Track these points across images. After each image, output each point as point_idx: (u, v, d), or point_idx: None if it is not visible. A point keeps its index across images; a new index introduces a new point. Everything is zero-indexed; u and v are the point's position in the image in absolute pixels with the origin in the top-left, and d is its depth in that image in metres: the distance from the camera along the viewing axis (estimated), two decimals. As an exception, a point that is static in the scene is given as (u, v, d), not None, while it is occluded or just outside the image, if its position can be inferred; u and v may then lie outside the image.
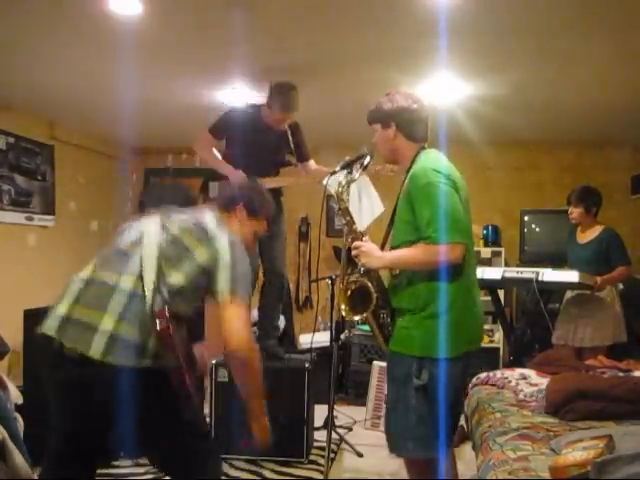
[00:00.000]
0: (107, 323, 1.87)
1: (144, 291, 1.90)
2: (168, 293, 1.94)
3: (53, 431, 2.04)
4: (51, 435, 2.04)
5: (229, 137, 3.81)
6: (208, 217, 2.12)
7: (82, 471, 2.03)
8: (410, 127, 2.40)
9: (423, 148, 2.42)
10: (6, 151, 4.97)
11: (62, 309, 1.94)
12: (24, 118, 5.05)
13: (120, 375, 1.85)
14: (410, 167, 2.37)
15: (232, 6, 3.05)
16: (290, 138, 3.79)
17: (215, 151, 3.82)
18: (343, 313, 2.47)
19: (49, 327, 1.93)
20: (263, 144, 3.72)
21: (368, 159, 2.52)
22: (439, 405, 2.26)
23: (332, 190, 2.61)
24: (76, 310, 1.92)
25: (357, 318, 2.44)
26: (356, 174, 2.55)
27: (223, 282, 1.97)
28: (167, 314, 1.88)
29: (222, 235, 2.05)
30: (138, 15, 3.11)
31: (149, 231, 2.02)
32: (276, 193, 3.75)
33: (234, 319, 1.94)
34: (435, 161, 2.33)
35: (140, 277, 1.92)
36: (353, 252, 2.41)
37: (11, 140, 5.01)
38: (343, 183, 2.51)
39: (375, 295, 2.36)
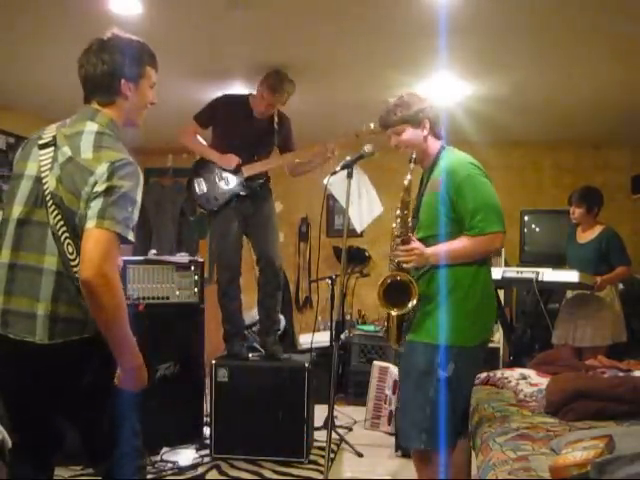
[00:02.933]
0: (43, 308, 1.87)
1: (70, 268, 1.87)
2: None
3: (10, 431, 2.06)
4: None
5: (216, 125, 3.79)
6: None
7: (40, 467, 2.05)
8: (437, 125, 2.46)
9: (442, 146, 2.47)
10: (6, 151, 4.97)
11: None
12: (24, 118, 5.05)
13: (72, 349, 1.87)
14: (434, 164, 2.41)
15: (232, 6, 3.05)
16: (276, 128, 3.76)
17: (200, 138, 3.80)
18: (392, 312, 2.37)
19: None
20: (249, 132, 3.70)
21: (368, 150, 2.57)
22: (458, 396, 2.32)
23: (333, 190, 2.62)
24: (11, 301, 1.91)
25: (395, 313, 2.35)
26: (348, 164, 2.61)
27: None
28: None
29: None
30: (138, 15, 3.12)
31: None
32: (261, 178, 3.76)
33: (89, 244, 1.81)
34: (466, 156, 2.41)
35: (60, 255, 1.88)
36: (404, 257, 2.31)
37: (11, 140, 5.01)
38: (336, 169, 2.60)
39: (416, 290, 2.29)
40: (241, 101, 3.76)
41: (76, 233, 1.87)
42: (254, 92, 3.79)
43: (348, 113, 4.69)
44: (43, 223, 1.90)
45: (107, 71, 1.95)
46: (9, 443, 2.55)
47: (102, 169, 1.83)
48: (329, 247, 6.05)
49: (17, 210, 1.94)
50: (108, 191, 1.81)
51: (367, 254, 6.17)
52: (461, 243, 2.30)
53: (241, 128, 3.70)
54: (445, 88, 4.24)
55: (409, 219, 2.38)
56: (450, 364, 2.26)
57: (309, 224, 6.34)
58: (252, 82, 4.19)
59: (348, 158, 2.62)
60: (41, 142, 1.94)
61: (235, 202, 3.73)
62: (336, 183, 2.71)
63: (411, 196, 2.43)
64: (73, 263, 1.87)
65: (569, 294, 4.24)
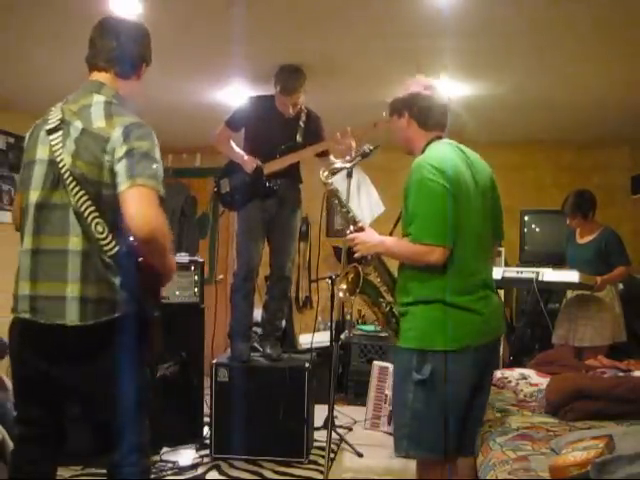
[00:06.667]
0: (72, 290, 1.87)
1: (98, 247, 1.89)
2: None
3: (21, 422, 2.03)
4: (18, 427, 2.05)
5: (245, 127, 3.82)
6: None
7: (44, 463, 2.04)
8: (423, 114, 2.33)
9: (439, 137, 2.36)
10: (6, 151, 4.97)
11: (22, 289, 1.93)
12: (24, 118, 5.03)
13: (102, 330, 1.88)
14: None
15: (232, 6, 3.05)
16: (302, 125, 3.75)
17: (232, 142, 3.83)
18: (341, 294, 2.47)
19: (21, 310, 1.92)
20: (275, 131, 3.71)
21: (371, 147, 2.52)
22: (440, 402, 2.18)
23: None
24: (38, 287, 1.91)
25: (348, 297, 2.45)
26: (349, 164, 2.56)
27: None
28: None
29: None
30: (138, 15, 3.11)
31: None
32: (284, 177, 3.76)
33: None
34: (437, 154, 2.26)
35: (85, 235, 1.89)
36: (350, 244, 2.40)
37: (11, 140, 5.01)
38: (337, 167, 2.53)
39: (361, 275, 2.34)
40: (267, 101, 3.76)
41: (104, 209, 1.88)
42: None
43: (348, 113, 4.70)
44: (63, 204, 1.90)
45: (134, 49, 2.06)
46: (9, 444, 2.55)
47: (117, 134, 1.87)
48: (329, 247, 6.04)
49: (34, 195, 1.94)
50: (129, 153, 1.85)
51: (351, 244, 6.14)
52: (401, 245, 2.26)
53: (268, 128, 3.71)
54: (445, 88, 4.24)
55: (348, 215, 2.46)
56: (426, 366, 2.17)
57: (309, 224, 6.34)
58: (253, 82, 4.19)
59: (348, 158, 2.62)
60: (49, 127, 1.95)
61: (258, 201, 3.73)
62: (336, 183, 2.70)
63: (329, 186, 2.50)
64: (104, 242, 1.87)
65: (569, 294, 4.24)
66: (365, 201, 4.00)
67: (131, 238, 1.87)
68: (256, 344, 4.00)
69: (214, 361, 3.74)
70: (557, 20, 3.18)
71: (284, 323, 4.36)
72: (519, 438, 2.30)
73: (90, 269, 1.88)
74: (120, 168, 1.85)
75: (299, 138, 3.74)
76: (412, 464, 2.55)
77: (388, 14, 3.16)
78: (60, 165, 1.89)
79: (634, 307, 4.46)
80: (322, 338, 4.58)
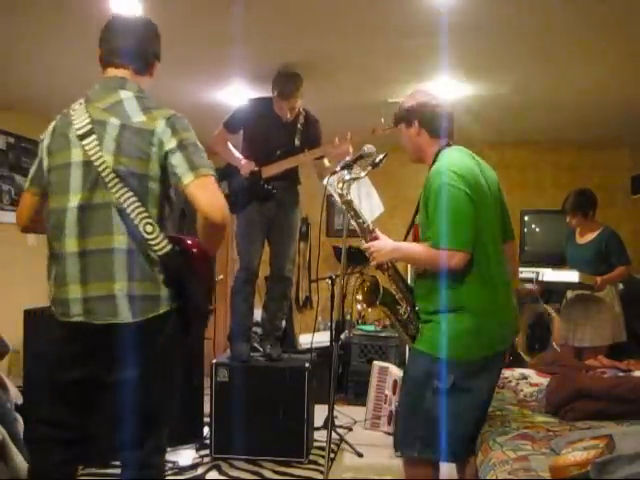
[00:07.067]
0: (120, 288, 1.88)
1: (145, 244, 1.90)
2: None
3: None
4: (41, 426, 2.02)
5: (243, 129, 3.82)
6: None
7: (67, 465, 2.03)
8: (432, 123, 2.37)
9: (448, 145, 2.39)
10: (6, 151, 4.97)
11: (73, 292, 1.91)
12: (24, 118, 5.05)
13: (150, 327, 1.90)
14: (433, 164, 2.35)
15: (232, 6, 3.05)
16: (300, 128, 3.75)
17: (230, 145, 3.84)
18: (359, 306, 2.46)
19: (74, 314, 1.91)
20: (273, 134, 3.71)
21: (380, 157, 2.50)
22: (461, 410, 2.23)
23: (332, 190, 2.61)
24: (88, 288, 1.90)
25: (365, 308, 2.45)
26: (362, 172, 2.52)
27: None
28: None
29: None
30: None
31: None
32: (283, 180, 3.76)
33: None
34: (455, 160, 2.29)
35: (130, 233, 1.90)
36: (367, 253, 2.40)
37: (11, 140, 5.01)
38: (346, 178, 2.49)
39: (381, 287, 2.35)
40: (265, 104, 3.76)
41: (150, 204, 1.90)
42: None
43: (348, 113, 4.70)
44: (105, 204, 1.90)
45: (150, 47, 2.10)
46: (10, 444, 2.55)
47: (161, 126, 1.90)
48: (329, 247, 6.05)
49: (75, 198, 1.92)
50: (180, 145, 1.90)
51: (367, 254, 6.16)
52: (420, 250, 2.28)
53: (266, 131, 3.71)
54: (445, 88, 4.24)
55: (363, 224, 2.44)
56: (449, 376, 2.20)
57: (309, 224, 6.34)
58: (253, 83, 4.19)
59: (348, 158, 2.61)
60: (81, 130, 1.92)
61: (257, 204, 3.74)
62: (337, 183, 2.70)
63: (345, 198, 2.47)
64: (154, 241, 1.89)
65: (569, 294, 4.24)
66: (365, 202, 3.99)
67: (202, 226, 1.93)
68: (256, 344, 4.00)
69: (214, 361, 3.74)
70: (557, 20, 3.18)
71: (284, 323, 4.36)
72: (519, 438, 2.30)
73: (136, 266, 1.89)
74: (177, 160, 1.89)
75: (297, 142, 3.74)
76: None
77: (388, 14, 3.16)
78: (98, 165, 1.88)
79: (634, 307, 4.46)
80: (322, 338, 4.59)
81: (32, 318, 3.61)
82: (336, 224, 6.37)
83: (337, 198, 2.51)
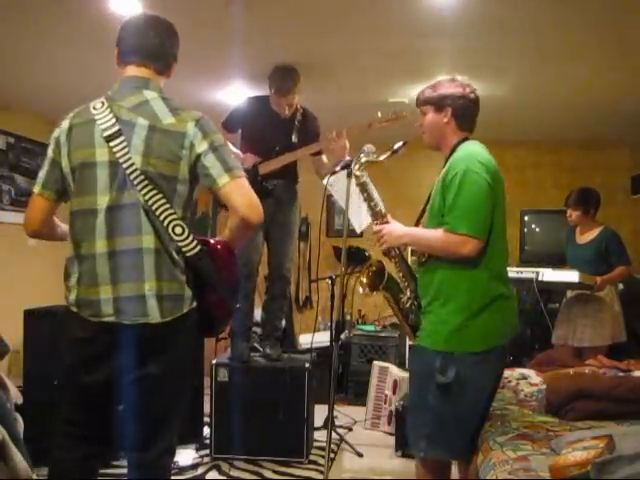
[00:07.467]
0: (149, 287, 1.88)
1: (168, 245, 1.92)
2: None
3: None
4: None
5: (241, 128, 3.82)
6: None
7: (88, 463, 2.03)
8: (464, 116, 2.36)
9: (466, 138, 2.38)
10: (6, 151, 4.97)
11: (105, 292, 1.91)
12: (24, 118, 5.05)
13: (177, 326, 1.92)
14: (450, 155, 2.32)
15: (231, 6, 3.05)
16: (297, 125, 3.74)
17: (229, 144, 3.83)
18: (360, 289, 2.46)
19: (105, 313, 1.90)
20: (271, 131, 3.70)
21: (400, 144, 2.46)
22: (465, 405, 2.19)
23: (332, 190, 2.61)
24: (119, 288, 1.90)
25: (368, 292, 2.44)
26: (382, 156, 2.47)
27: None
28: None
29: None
30: (138, 15, 3.11)
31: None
32: (280, 178, 3.76)
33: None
34: (480, 151, 2.29)
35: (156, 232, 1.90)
36: (377, 237, 2.39)
37: (11, 140, 5.02)
38: (363, 160, 2.44)
39: (387, 273, 2.34)
40: (262, 102, 3.75)
41: (177, 205, 1.91)
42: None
43: (348, 113, 4.70)
44: (132, 204, 1.89)
45: (170, 47, 2.10)
46: (10, 444, 2.54)
47: (191, 129, 1.92)
48: (329, 247, 6.05)
49: (103, 199, 1.91)
50: (212, 147, 1.92)
51: (367, 254, 6.16)
52: (433, 234, 2.25)
53: (264, 128, 3.70)
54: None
55: (376, 208, 2.42)
56: (451, 370, 2.16)
57: (309, 224, 6.34)
58: (253, 82, 4.20)
59: (348, 158, 2.61)
60: (108, 133, 1.90)
61: None
62: (336, 183, 2.70)
63: (362, 179, 2.44)
64: (183, 243, 1.90)
65: (569, 294, 4.24)
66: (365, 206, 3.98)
67: (236, 224, 1.96)
68: (256, 344, 4.00)
69: (214, 361, 3.74)
70: (557, 20, 3.19)
71: (284, 323, 4.36)
72: (519, 438, 2.30)
73: (163, 266, 1.90)
74: (211, 162, 1.91)
75: (294, 138, 3.74)
76: (412, 464, 2.55)
77: (388, 14, 3.16)
78: (126, 165, 1.87)
79: (634, 307, 4.46)
80: (322, 338, 4.58)
81: (32, 318, 3.61)
82: (336, 224, 6.37)
83: (353, 180, 2.47)
